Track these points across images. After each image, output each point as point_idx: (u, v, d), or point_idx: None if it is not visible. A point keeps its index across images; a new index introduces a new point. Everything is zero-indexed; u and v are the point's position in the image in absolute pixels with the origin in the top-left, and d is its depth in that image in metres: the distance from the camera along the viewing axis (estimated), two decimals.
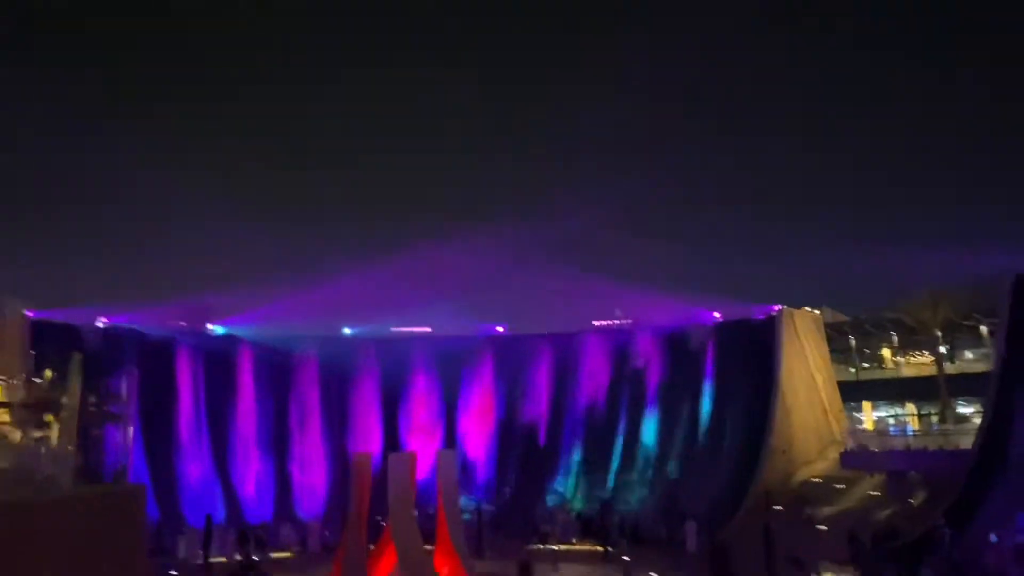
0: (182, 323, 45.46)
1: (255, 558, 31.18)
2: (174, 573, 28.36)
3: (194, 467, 42.14)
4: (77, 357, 25.20)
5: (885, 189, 30.27)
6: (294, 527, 39.80)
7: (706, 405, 45.57)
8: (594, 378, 48.79)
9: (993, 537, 28.23)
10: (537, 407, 48.98)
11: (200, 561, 32.76)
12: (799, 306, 46.16)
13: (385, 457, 28.28)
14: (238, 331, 45.70)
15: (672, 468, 44.62)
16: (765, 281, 42.92)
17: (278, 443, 45.19)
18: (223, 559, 33.38)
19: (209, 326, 45.95)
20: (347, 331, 48.64)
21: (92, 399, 27.01)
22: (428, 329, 50.64)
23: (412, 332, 50.23)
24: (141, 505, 22.25)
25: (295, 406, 46.23)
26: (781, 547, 27.38)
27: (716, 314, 47.23)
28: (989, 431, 33.87)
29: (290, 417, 45.92)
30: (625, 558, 29.36)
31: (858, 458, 40.45)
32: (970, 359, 58.97)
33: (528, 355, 49.41)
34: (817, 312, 47.54)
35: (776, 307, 44.94)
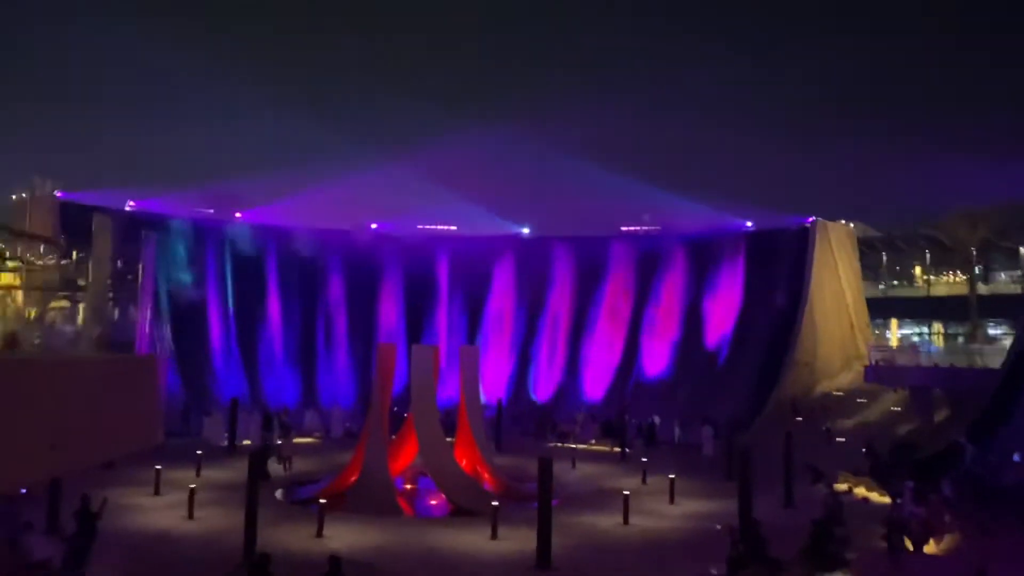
0: (210, 210, 45.61)
1: (279, 441, 31.76)
2: (199, 452, 28.92)
3: (221, 353, 42.95)
4: (103, 233, 25.19)
5: (924, 100, 29.02)
6: (319, 414, 40.56)
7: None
8: (617, 283, 48.61)
9: (1016, 456, 28.10)
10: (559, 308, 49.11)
11: (225, 443, 33.45)
12: (833, 218, 45.23)
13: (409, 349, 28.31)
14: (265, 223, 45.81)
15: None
16: (799, 191, 41.81)
17: (305, 333, 45.74)
18: (247, 442, 34.08)
19: (237, 215, 45.98)
20: (373, 226, 48.49)
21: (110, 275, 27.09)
22: (454, 228, 50.42)
23: (437, 230, 50.07)
24: (153, 374, 22.57)
25: (320, 300, 46.66)
26: (799, 456, 27.43)
27: (748, 223, 46.49)
28: (1020, 352, 33.43)
29: (317, 312, 46.40)
30: (643, 459, 29.59)
31: (881, 372, 40.26)
32: (1003, 280, 58.08)
33: (551, 258, 49.18)
34: (851, 226, 46.58)
35: (810, 219, 44.13)
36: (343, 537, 20.67)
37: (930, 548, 19.61)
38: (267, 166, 40.03)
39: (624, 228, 50.03)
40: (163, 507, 23.52)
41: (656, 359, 46.72)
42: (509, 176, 44.31)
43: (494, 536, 20.79)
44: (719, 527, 18.88)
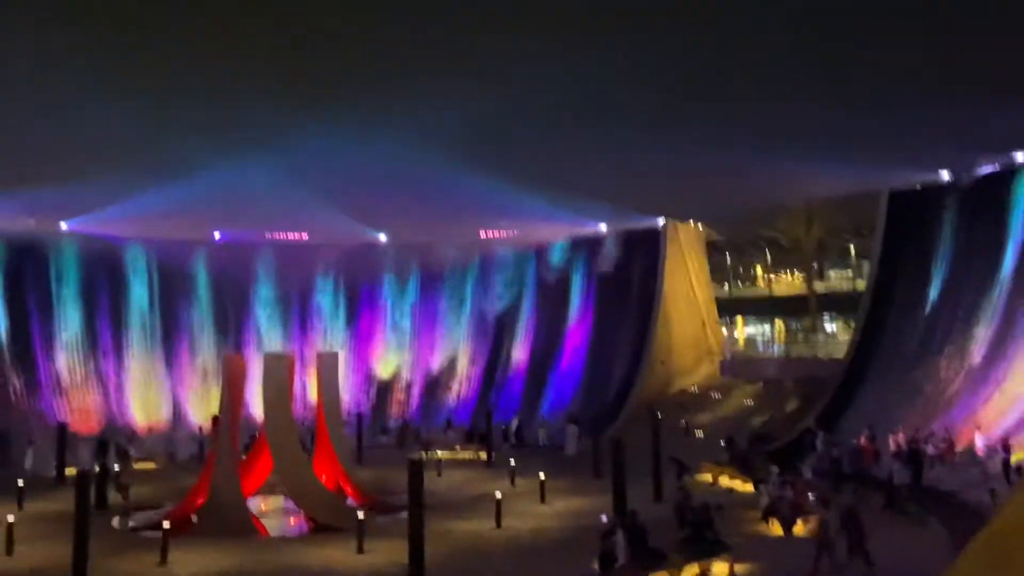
0: (30, 220, 41.46)
1: (116, 467, 28.89)
2: (20, 483, 25.83)
3: (46, 377, 39.10)
4: None
5: (761, 101, 29.94)
6: (162, 437, 37.51)
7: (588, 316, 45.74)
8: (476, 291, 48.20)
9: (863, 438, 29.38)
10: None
11: (52, 473, 30.24)
12: (682, 220, 46.34)
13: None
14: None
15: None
16: (647, 194, 42.44)
17: (143, 350, 42.37)
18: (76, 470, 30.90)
19: (63, 225, 42.06)
20: (216, 235, 45.67)
21: None
22: (304, 236, 48.25)
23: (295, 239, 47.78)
24: None
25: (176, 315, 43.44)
26: (662, 451, 27.64)
27: (602, 226, 46.92)
28: (860, 343, 35.27)
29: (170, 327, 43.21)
30: (511, 461, 28.89)
31: (737, 366, 41.53)
32: (834, 278, 61.75)
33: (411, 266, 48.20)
34: (700, 227, 47.94)
35: (660, 219, 45.00)
36: (190, 563, 18.76)
37: (799, 529, 19.85)
38: (94, 168, 36.47)
39: (483, 234, 49.50)
40: None
41: (517, 364, 46.42)
42: (360, 180, 42.38)
43: (360, 550, 19.42)
44: (604, 518, 18.30)
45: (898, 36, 23.82)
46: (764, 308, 60.09)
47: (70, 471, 30.97)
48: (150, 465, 33.75)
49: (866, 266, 60.31)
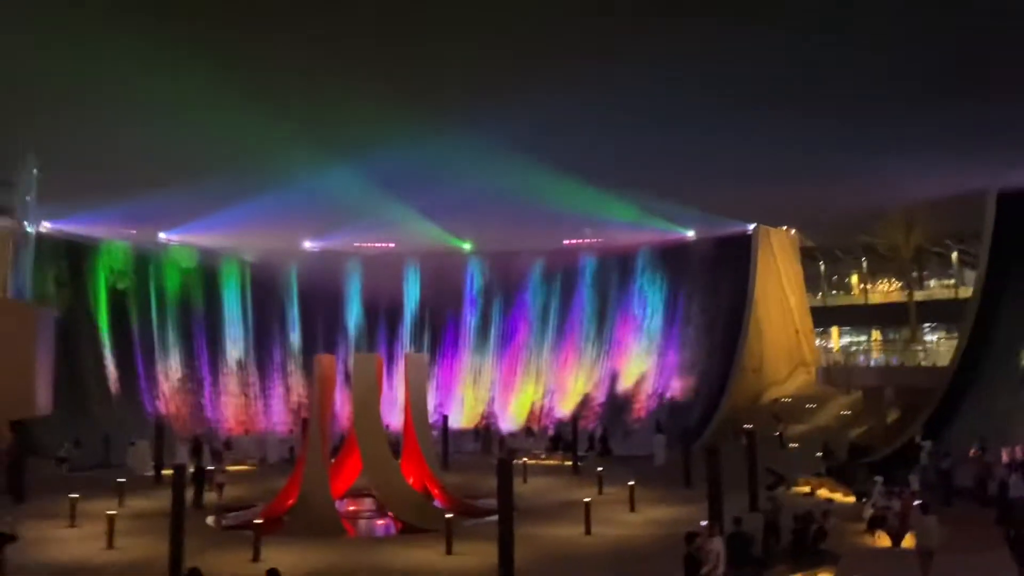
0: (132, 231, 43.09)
1: (210, 467, 29.49)
2: (122, 480, 26.63)
3: (145, 378, 40.51)
4: None
5: (859, 98, 28.77)
6: (254, 440, 38.32)
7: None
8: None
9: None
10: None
11: (151, 472, 31.14)
12: (775, 225, 45.04)
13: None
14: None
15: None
16: (737, 198, 41.43)
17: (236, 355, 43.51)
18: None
19: (162, 235, 43.58)
20: (308, 244, 46.60)
21: None
22: (391, 244, 48.80)
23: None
24: (30, 327, 20.58)
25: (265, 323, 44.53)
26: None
27: (690, 232, 46.01)
28: (967, 350, 33.48)
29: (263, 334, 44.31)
30: (599, 468, 28.35)
31: (835, 374, 40.13)
32: (934, 286, 59.08)
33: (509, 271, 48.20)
34: (793, 232, 46.50)
35: (751, 225, 43.86)
36: (281, 560, 18.75)
37: (907, 542, 18.77)
38: (189, 178, 37.53)
39: (567, 242, 49.17)
40: (79, 538, 21.30)
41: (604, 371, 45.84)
42: (448, 187, 42.55)
43: (449, 552, 19.21)
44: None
45: (1001, 23, 22.54)
46: (859, 317, 57.83)
47: (167, 471, 32.09)
48: (243, 467, 34.46)
49: (967, 274, 57.85)
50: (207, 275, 43.62)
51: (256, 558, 18.88)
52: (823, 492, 26.49)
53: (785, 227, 45.94)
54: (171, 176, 39.99)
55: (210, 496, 26.73)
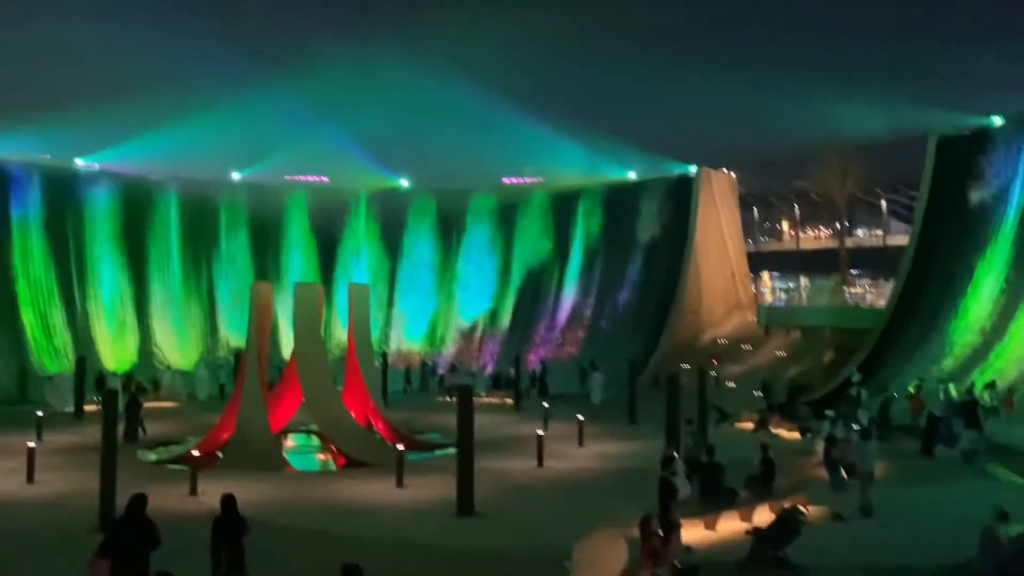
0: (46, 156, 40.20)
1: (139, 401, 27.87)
2: (40, 414, 24.96)
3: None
4: None
5: (802, 37, 28.53)
6: (182, 376, 36.66)
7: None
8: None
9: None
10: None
11: (71, 408, 29.43)
12: (715, 167, 44.83)
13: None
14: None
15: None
16: (679, 141, 41.11)
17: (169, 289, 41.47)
18: (94, 407, 30.13)
19: (79, 161, 40.82)
20: (236, 176, 44.41)
21: None
22: (326, 179, 47.01)
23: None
24: None
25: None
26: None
27: (631, 174, 45.51)
28: (904, 292, 34.02)
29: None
30: (545, 404, 27.92)
31: (779, 314, 40.65)
32: (863, 235, 60.28)
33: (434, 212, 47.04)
34: (733, 175, 46.40)
35: (692, 168, 43.55)
36: (220, 494, 17.76)
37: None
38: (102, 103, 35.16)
39: (507, 180, 48.21)
40: None
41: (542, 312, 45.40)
42: (384, 115, 41.09)
43: (400, 484, 18.44)
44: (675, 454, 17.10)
45: None
46: (790, 263, 58.74)
47: (90, 408, 30.39)
48: (168, 404, 32.90)
49: (894, 224, 59.11)
50: (134, 206, 41.13)
51: (193, 491, 17.77)
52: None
53: (725, 170, 45.78)
54: (88, 97, 37.51)
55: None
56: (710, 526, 13.96)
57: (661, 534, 9.73)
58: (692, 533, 13.59)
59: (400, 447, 19.44)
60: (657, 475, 17.50)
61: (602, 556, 3.19)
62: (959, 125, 34.50)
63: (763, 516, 14.72)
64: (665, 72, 33.42)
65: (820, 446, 20.81)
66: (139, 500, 10.30)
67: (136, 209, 41.19)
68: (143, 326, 40.20)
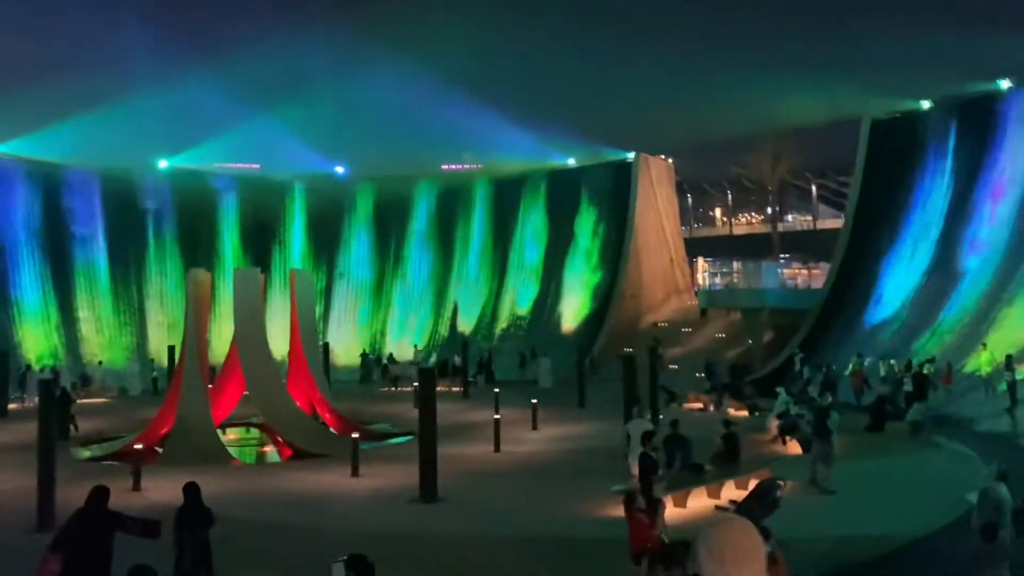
0: None
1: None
2: None
3: None
4: None
5: (736, 24, 28.75)
6: (113, 372, 35.10)
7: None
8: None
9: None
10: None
11: None
12: (652, 153, 45.07)
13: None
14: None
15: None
16: (616, 126, 41.14)
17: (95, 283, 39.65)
18: (17, 405, 28.71)
19: None
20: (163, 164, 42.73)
21: None
22: (256, 166, 45.60)
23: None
24: None
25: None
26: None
27: (571, 161, 45.40)
28: (840, 272, 34.75)
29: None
30: (496, 390, 27.55)
31: (719, 296, 41.16)
32: (793, 220, 61.64)
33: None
34: (670, 160, 46.76)
35: (630, 154, 43.69)
36: (165, 489, 16.81)
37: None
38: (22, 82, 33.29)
39: (445, 167, 47.56)
40: None
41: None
42: (315, 104, 39.87)
43: (355, 474, 17.88)
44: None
45: None
46: (723, 248, 59.69)
47: (13, 405, 28.90)
48: (99, 400, 31.50)
49: (822, 208, 60.54)
50: (51, 193, 39.17)
51: (137, 486, 16.89)
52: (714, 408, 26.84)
53: (663, 156, 46.09)
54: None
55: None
56: (679, 503, 13.83)
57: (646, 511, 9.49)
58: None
59: (355, 435, 18.81)
60: (610, 455, 17.59)
61: (741, 548, 2.70)
62: (890, 109, 35.37)
63: (730, 492, 14.70)
64: (604, 56, 33.21)
65: (773, 422, 21.02)
66: (101, 493, 9.60)
67: (54, 199, 39.21)
68: (67, 320, 38.35)
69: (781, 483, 12.61)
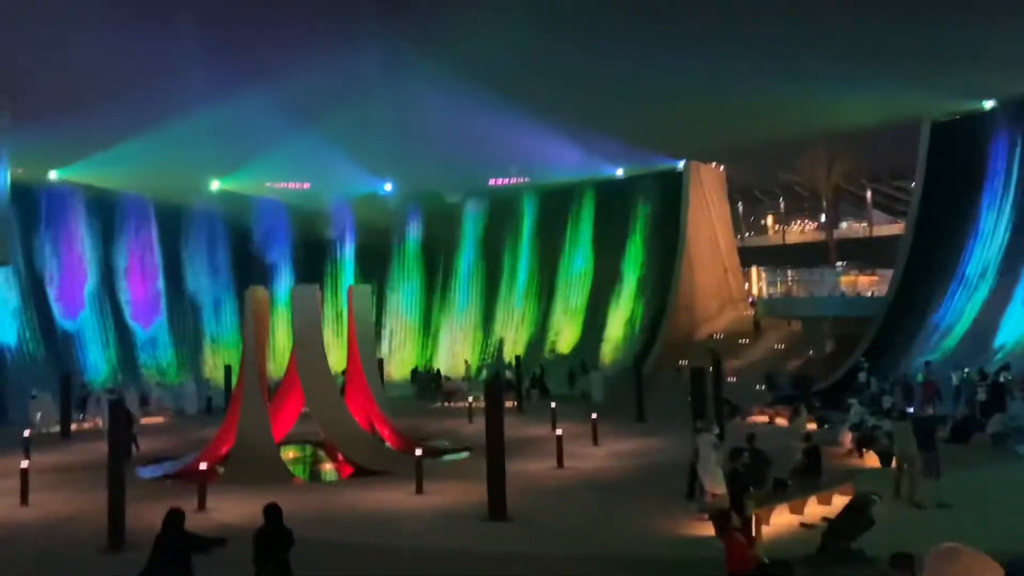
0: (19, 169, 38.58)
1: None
2: (26, 435, 23.73)
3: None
4: None
5: (791, 28, 28.09)
6: (170, 391, 35.30)
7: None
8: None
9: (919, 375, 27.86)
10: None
11: (56, 428, 28.18)
12: (704, 161, 44.37)
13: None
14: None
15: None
16: (667, 135, 40.58)
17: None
18: (76, 425, 28.98)
19: (53, 174, 39.33)
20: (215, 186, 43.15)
21: None
22: (306, 185, 45.89)
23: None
24: None
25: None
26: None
27: (619, 171, 44.89)
28: (903, 278, 33.75)
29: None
30: (552, 404, 27.17)
31: (779, 305, 40.33)
32: (845, 228, 60.32)
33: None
34: (722, 168, 46.00)
35: (681, 161, 43.04)
36: (229, 509, 16.79)
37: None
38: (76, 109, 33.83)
39: (493, 181, 47.41)
40: None
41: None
42: (363, 120, 40.02)
43: (419, 491, 17.56)
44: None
45: None
46: (776, 257, 58.59)
47: (77, 426, 29.16)
48: (158, 419, 31.68)
49: (876, 214, 59.12)
50: (107, 217, 39.73)
51: (202, 507, 16.76)
52: (781, 421, 26.05)
53: (714, 164, 45.38)
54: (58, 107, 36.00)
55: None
56: (764, 520, 13.24)
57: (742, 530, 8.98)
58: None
59: (418, 452, 18.50)
60: (678, 470, 17.01)
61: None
62: (952, 110, 34.35)
63: (813, 508, 14.07)
64: (652, 64, 32.74)
65: (846, 435, 20.26)
66: (177, 516, 9.41)
67: (105, 218, 39.74)
68: (124, 339, 38.76)
69: (876, 498, 12.07)
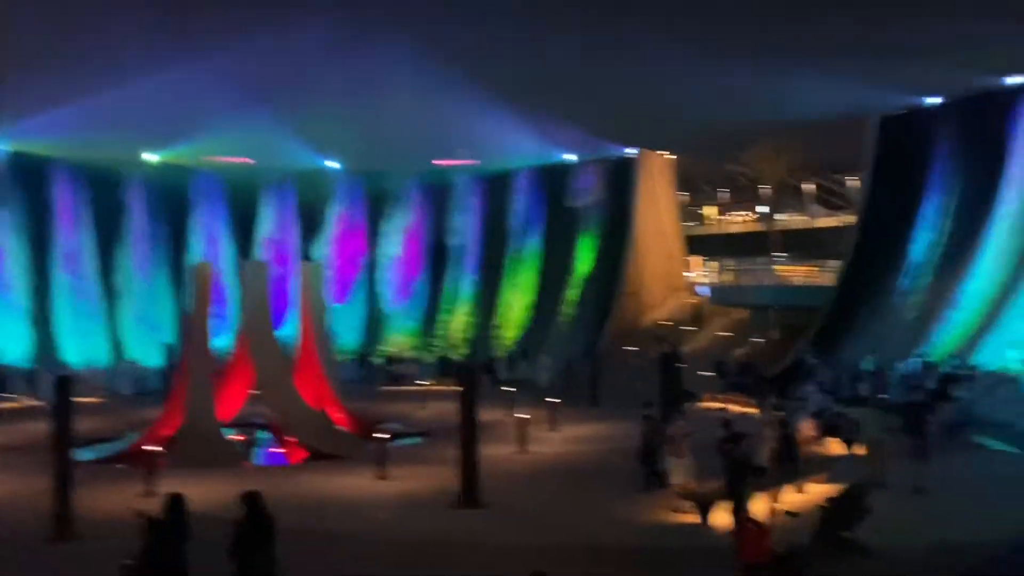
0: None
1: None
2: None
3: None
4: None
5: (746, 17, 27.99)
6: (101, 372, 33.69)
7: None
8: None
9: (867, 363, 28.30)
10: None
11: None
12: (653, 149, 44.32)
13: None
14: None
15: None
16: (618, 122, 40.26)
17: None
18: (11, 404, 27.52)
19: None
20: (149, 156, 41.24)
21: None
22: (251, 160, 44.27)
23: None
24: None
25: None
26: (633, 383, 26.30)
27: (572, 156, 44.53)
28: (850, 269, 34.26)
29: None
30: (511, 388, 26.80)
31: (727, 293, 40.61)
32: (787, 219, 61.18)
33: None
34: (671, 157, 46.04)
35: (631, 149, 42.94)
36: (186, 493, 15.88)
37: (859, 448, 18.40)
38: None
39: (436, 162, 46.51)
40: None
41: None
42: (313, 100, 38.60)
43: (383, 477, 16.94)
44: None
45: None
46: (716, 247, 59.03)
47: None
48: (91, 400, 30.14)
49: (814, 208, 60.13)
50: (32, 186, 37.55)
51: (151, 491, 15.84)
52: (735, 408, 26.12)
53: (662, 152, 45.38)
54: None
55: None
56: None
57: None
58: (725, 517, 12.67)
59: (384, 436, 17.88)
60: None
61: None
62: (899, 105, 34.90)
63: (790, 497, 13.97)
64: (605, 49, 32.34)
65: (805, 422, 20.28)
66: (179, 501, 8.75)
67: (33, 191, 37.60)
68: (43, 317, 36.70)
69: (868, 488, 11.95)
